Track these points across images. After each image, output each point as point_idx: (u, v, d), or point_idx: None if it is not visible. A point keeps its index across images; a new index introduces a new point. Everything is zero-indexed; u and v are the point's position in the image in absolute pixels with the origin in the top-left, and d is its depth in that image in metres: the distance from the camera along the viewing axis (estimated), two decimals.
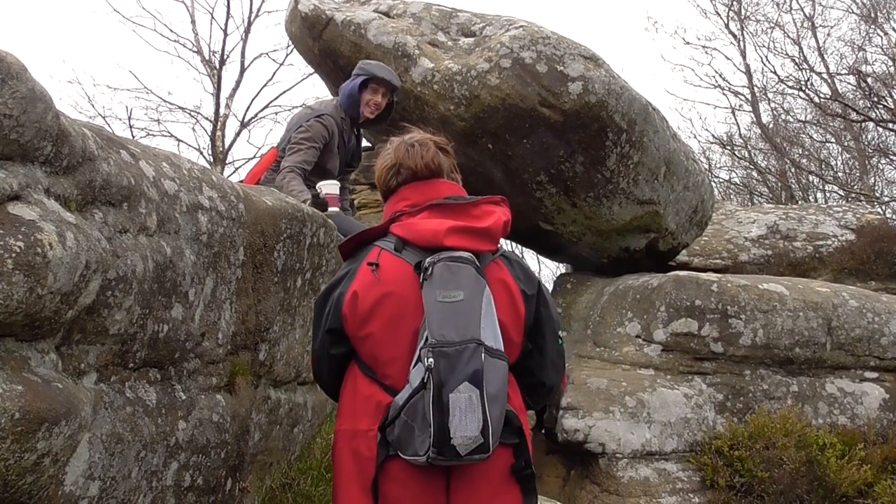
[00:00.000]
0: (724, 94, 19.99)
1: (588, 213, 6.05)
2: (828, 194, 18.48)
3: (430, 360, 1.77)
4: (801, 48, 17.92)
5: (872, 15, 16.23)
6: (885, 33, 16.23)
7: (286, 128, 4.80)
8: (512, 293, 1.99)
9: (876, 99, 12.38)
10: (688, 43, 24.47)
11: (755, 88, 18.68)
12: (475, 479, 1.87)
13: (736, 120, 21.79)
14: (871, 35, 16.66)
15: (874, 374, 5.58)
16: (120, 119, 17.00)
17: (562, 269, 12.27)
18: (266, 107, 16.22)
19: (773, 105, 19.03)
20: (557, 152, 5.55)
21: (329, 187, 4.27)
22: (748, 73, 18.78)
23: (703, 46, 21.94)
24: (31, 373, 1.56)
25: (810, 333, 5.50)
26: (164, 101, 16.16)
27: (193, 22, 15.63)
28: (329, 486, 3.37)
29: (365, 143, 5.76)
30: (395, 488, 1.88)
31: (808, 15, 17.94)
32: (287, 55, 15.66)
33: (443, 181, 2.14)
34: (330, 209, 4.13)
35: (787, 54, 18.33)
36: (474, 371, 1.75)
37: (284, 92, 21.41)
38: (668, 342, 5.51)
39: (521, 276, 2.04)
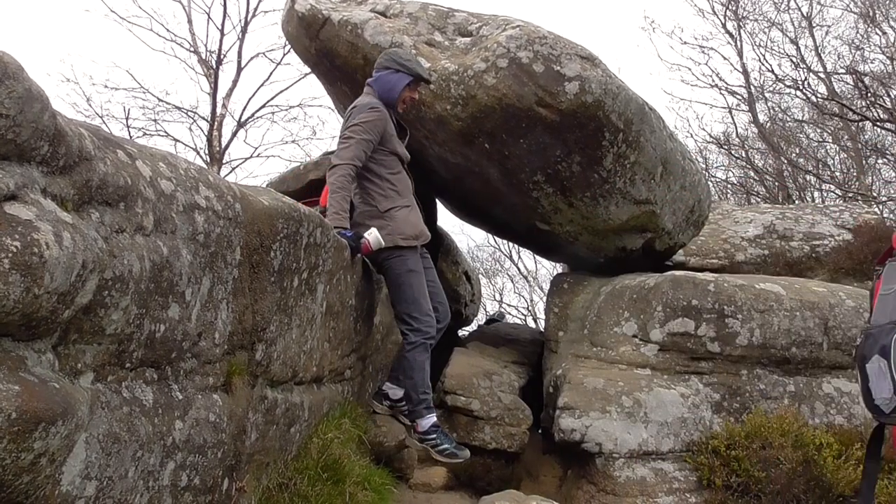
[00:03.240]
0: (721, 93, 20.09)
1: (585, 212, 6.05)
2: (825, 194, 18.48)
3: (860, 339, 2.22)
4: (798, 47, 17.93)
5: (871, 14, 16.23)
6: (884, 32, 16.24)
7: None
8: None
9: (873, 98, 12.36)
10: (685, 42, 24.51)
11: (752, 88, 18.70)
12: None
13: (733, 119, 21.85)
14: (869, 34, 16.68)
15: None
16: (117, 119, 16.95)
17: (559, 268, 12.28)
18: (263, 106, 16.32)
19: (770, 104, 19.04)
20: (554, 152, 5.55)
21: (373, 236, 4.17)
22: (745, 72, 18.81)
23: (700, 46, 21.94)
24: (27, 373, 1.57)
25: (807, 333, 5.51)
26: (161, 100, 16.22)
27: (190, 21, 15.72)
28: (325, 486, 3.37)
29: None
30: None
31: (805, 14, 17.97)
32: (284, 55, 15.74)
33: None
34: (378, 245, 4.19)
35: (784, 53, 18.33)
36: (883, 345, 2.12)
37: (281, 92, 21.46)
38: (665, 342, 5.51)
39: None
